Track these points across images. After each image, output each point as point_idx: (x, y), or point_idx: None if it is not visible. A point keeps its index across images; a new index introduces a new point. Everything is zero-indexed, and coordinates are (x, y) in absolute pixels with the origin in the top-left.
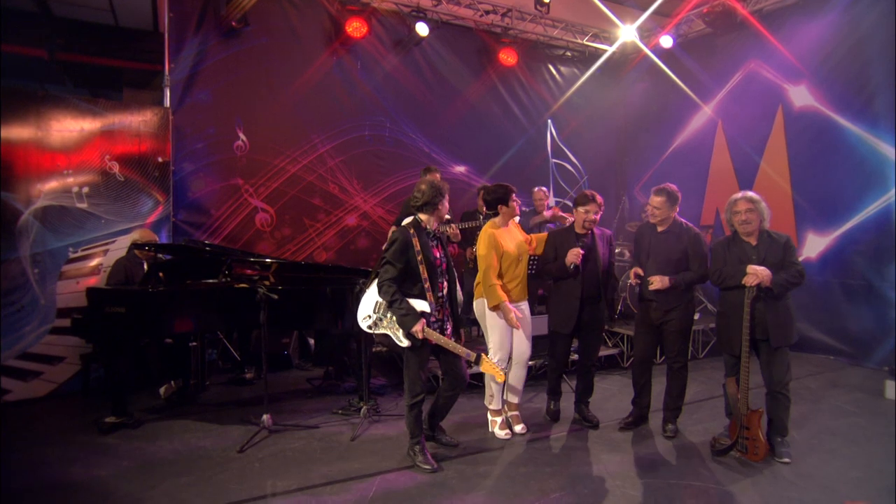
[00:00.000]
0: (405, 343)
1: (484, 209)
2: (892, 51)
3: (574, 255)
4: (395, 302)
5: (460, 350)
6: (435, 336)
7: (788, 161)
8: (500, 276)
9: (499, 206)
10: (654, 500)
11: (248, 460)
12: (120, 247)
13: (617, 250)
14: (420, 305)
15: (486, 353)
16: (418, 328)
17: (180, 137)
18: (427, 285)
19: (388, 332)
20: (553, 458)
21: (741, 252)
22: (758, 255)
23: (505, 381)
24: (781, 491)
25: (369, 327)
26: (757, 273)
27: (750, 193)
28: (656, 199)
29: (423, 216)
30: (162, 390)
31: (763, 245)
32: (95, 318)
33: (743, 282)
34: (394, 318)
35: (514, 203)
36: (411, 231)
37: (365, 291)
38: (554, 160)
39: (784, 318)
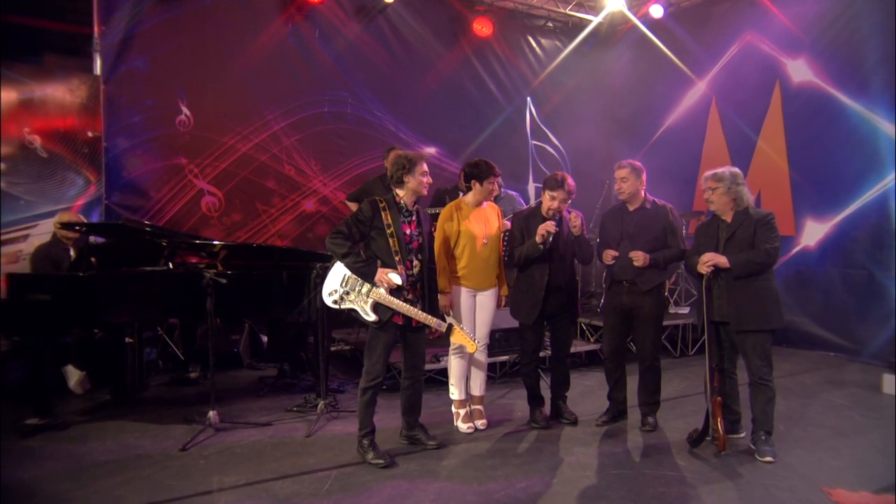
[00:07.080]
0: (372, 317)
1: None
2: (890, 23)
3: (545, 229)
4: (348, 255)
5: (431, 321)
6: (404, 307)
7: (786, 140)
8: (455, 257)
9: (472, 182)
10: (625, 490)
11: (192, 458)
12: (43, 231)
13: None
14: (395, 279)
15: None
16: (381, 276)
17: (114, 110)
18: (397, 258)
19: (356, 307)
20: (523, 451)
21: (713, 232)
22: (727, 234)
23: (468, 372)
24: (758, 479)
25: (335, 302)
26: (706, 262)
27: (719, 171)
28: (621, 172)
29: (398, 191)
30: (72, 383)
31: (736, 223)
32: (16, 306)
33: (697, 270)
34: (362, 291)
35: (491, 186)
36: (382, 204)
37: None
38: (534, 142)
39: (748, 301)
